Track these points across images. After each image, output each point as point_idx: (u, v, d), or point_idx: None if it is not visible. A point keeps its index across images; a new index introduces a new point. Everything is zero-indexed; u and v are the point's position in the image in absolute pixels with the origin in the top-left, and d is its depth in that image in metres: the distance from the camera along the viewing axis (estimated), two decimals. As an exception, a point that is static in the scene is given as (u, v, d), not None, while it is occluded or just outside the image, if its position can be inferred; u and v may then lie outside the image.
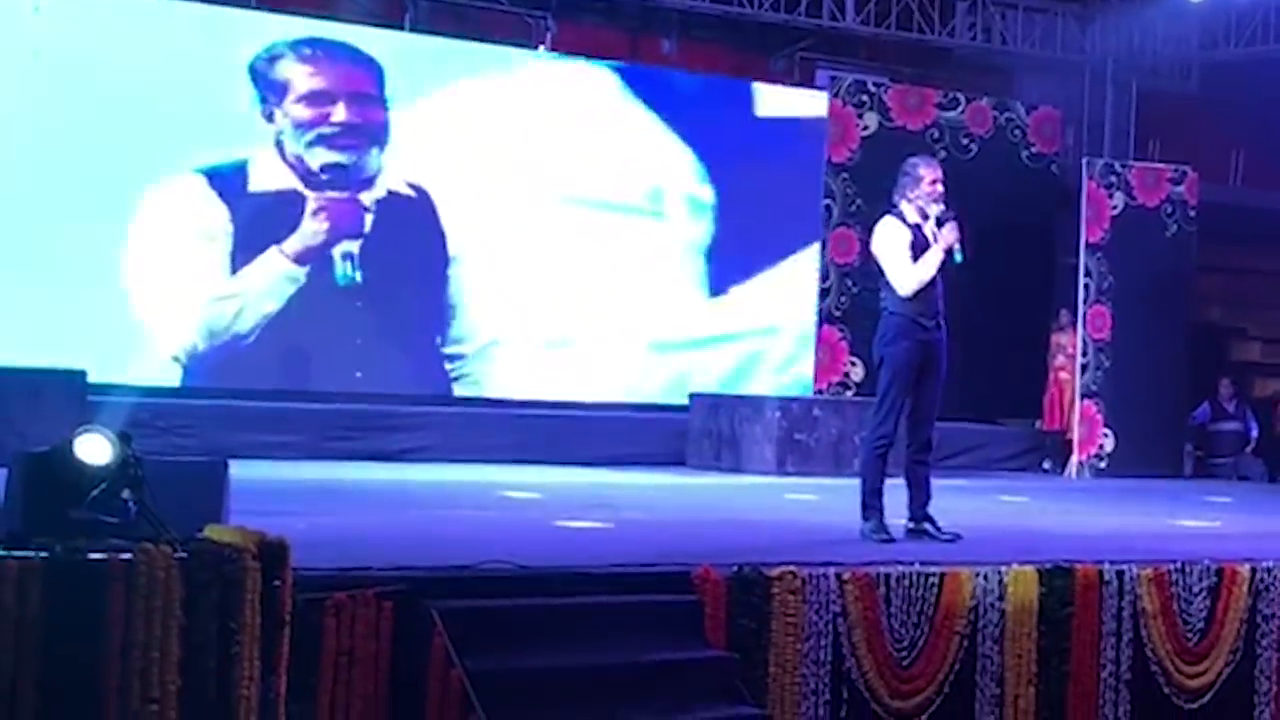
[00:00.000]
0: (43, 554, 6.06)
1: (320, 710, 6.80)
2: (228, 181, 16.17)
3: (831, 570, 8.25)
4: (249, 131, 16.33)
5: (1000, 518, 12.50)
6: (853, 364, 18.24)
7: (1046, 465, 18.92)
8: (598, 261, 18.04)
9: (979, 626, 8.59)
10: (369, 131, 16.87)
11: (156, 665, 6.05)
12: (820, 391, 18.18)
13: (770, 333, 19.10)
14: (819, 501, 13.12)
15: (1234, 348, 22.65)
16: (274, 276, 16.36)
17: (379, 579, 7.10)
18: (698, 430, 16.80)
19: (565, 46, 18.29)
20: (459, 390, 17.36)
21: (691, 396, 17.30)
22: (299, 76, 16.57)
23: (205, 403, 15.34)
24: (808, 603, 8.07)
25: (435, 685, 6.97)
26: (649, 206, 18.41)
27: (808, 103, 19.23)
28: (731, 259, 18.80)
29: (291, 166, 16.46)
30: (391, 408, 16.27)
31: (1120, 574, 9.07)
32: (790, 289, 18.92)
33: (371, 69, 16.97)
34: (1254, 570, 9.58)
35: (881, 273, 10.11)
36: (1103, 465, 18.22)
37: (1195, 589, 9.37)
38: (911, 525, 10.06)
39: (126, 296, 15.75)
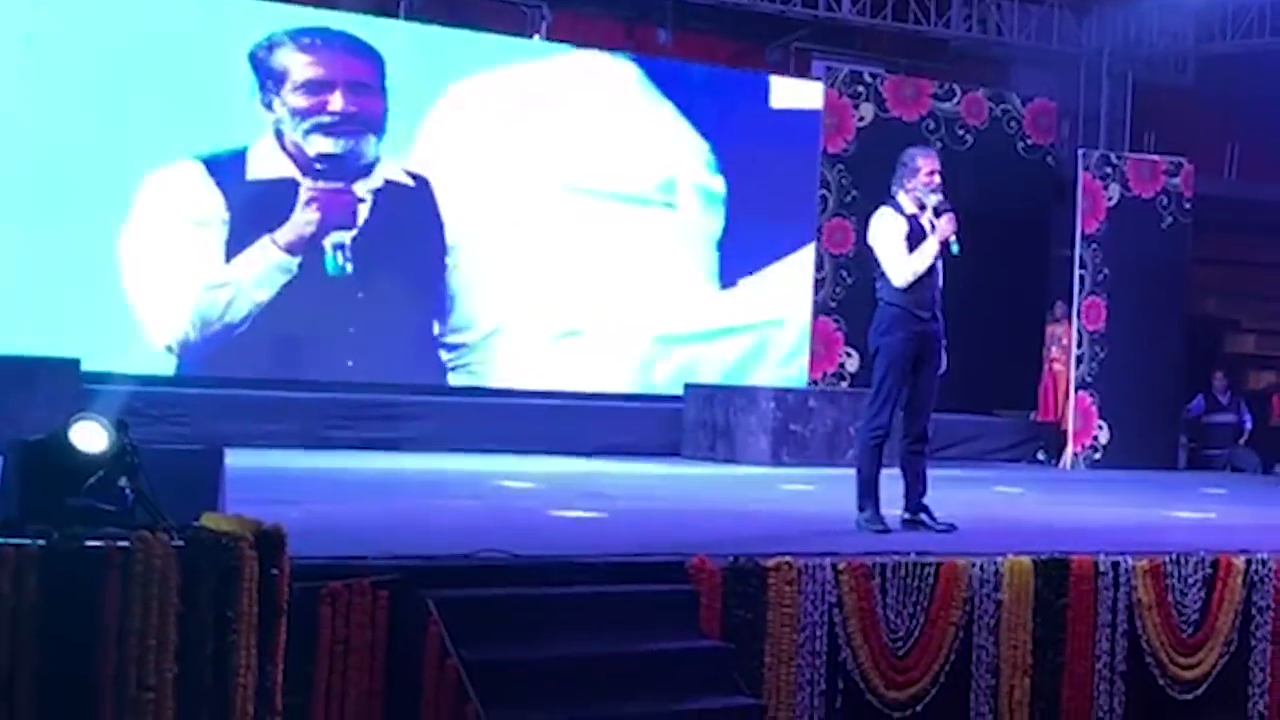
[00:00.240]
0: (40, 542, 6.05)
1: (316, 699, 6.79)
2: (225, 169, 16.15)
3: (827, 561, 8.25)
4: (250, 120, 16.33)
5: (995, 509, 12.51)
6: (848, 355, 18.25)
7: (1041, 456, 18.94)
8: (605, 252, 18.02)
9: (974, 617, 8.60)
10: (366, 121, 16.85)
11: (153, 653, 6.04)
12: (815, 382, 18.19)
13: (779, 324, 19.07)
14: (814, 492, 13.12)
15: (1229, 340, 22.67)
16: (266, 266, 16.34)
17: (374, 568, 7.10)
18: (693, 421, 16.80)
19: (560, 36, 18.27)
20: (462, 380, 17.33)
21: (686, 387, 17.30)
22: (297, 65, 16.55)
23: (200, 391, 15.34)
24: (803, 593, 8.08)
25: (431, 674, 6.96)
26: (661, 197, 18.39)
27: (817, 95, 19.14)
28: (743, 250, 18.77)
29: (291, 156, 16.45)
30: (387, 397, 16.24)
31: (1115, 565, 9.08)
32: (800, 281, 18.86)
33: (372, 59, 16.94)
34: (1249, 562, 9.59)
35: (878, 263, 10.11)
36: (1097, 457, 18.24)
37: (1190, 580, 9.38)
38: (907, 516, 10.05)
39: (121, 284, 15.72)
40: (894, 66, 20.05)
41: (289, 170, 16.45)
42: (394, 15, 17.51)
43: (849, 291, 17.89)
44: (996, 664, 8.66)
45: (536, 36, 18.18)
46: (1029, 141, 19.88)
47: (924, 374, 10.06)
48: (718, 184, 18.67)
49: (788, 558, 8.12)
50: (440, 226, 17.19)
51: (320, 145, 16.56)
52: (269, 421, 15.17)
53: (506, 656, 7.14)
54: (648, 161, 18.36)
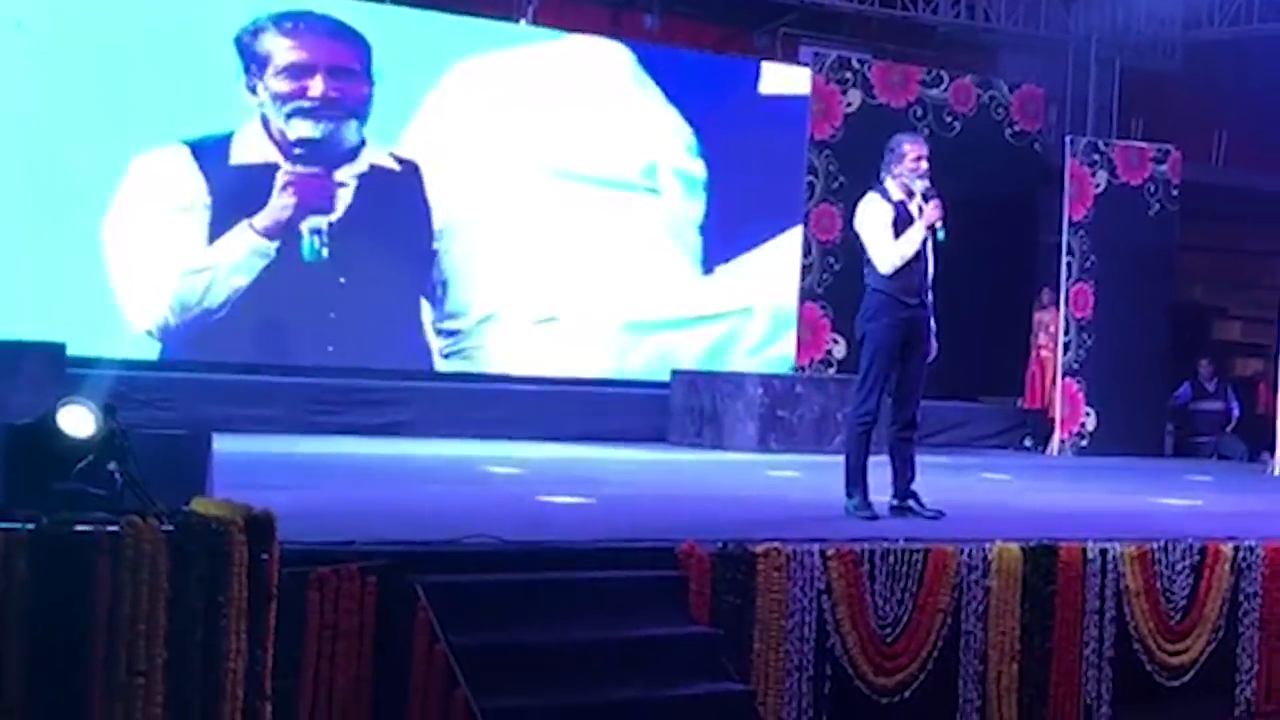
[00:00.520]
0: (29, 526, 6.03)
1: (304, 684, 6.78)
2: (210, 153, 16.12)
3: (816, 547, 8.24)
4: (237, 105, 16.30)
5: (983, 495, 12.52)
6: (835, 341, 18.26)
7: (1028, 443, 18.95)
8: (591, 237, 18.01)
9: (963, 603, 8.60)
10: (348, 106, 16.80)
11: (143, 638, 6.03)
12: (802, 368, 18.20)
13: (762, 310, 19.04)
14: (802, 478, 13.12)
15: (1216, 327, 22.71)
16: (244, 251, 16.29)
17: (363, 553, 7.09)
18: (679, 407, 16.78)
19: (546, 21, 18.24)
20: (455, 366, 17.30)
21: (673, 373, 17.27)
22: (280, 49, 16.51)
23: (185, 376, 15.31)
24: (792, 579, 8.07)
25: (419, 660, 6.97)
26: (644, 182, 18.37)
27: (805, 81, 19.10)
28: (726, 235, 18.75)
29: (275, 141, 16.42)
30: (372, 382, 16.19)
31: (1104, 552, 9.09)
32: (784, 265, 18.84)
33: (355, 43, 16.89)
34: (1237, 549, 9.60)
35: (864, 250, 10.10)
36: (1084, 443, 18.26)
37: (1178, 567, 9.39)
38: (896, 502, 10.06)
39: (105, 269, 15.70)
40: (882, 52, 20.04)
41: (273, 155, 16.43)
42: (381, 0, 17.47)
43: (836, 278, 17.91)
44: (985, 650, 8.66)
45: (523, 21, 18.14)
46: (1016, 128, 19.89)
47: (912, 360, 10.06)
48: (698, 168, 18.63)
49: (777, 543, 8.10)
50: (428, 212, 17.16)
51: (301, 130, 16.52)
52: (254, 406, 15.14)
53: (495, 642, 7.12)
54: (633, 147, 18.34)
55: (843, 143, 18.37)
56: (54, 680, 5.97)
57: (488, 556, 7.54)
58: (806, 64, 19.09)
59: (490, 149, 17.40)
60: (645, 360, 18.29)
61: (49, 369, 12.76)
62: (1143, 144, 19.42)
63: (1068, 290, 18.36)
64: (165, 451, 7.19)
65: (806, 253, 18.40)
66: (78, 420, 6.59)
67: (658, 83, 18.41)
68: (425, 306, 17.22)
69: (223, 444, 7.87)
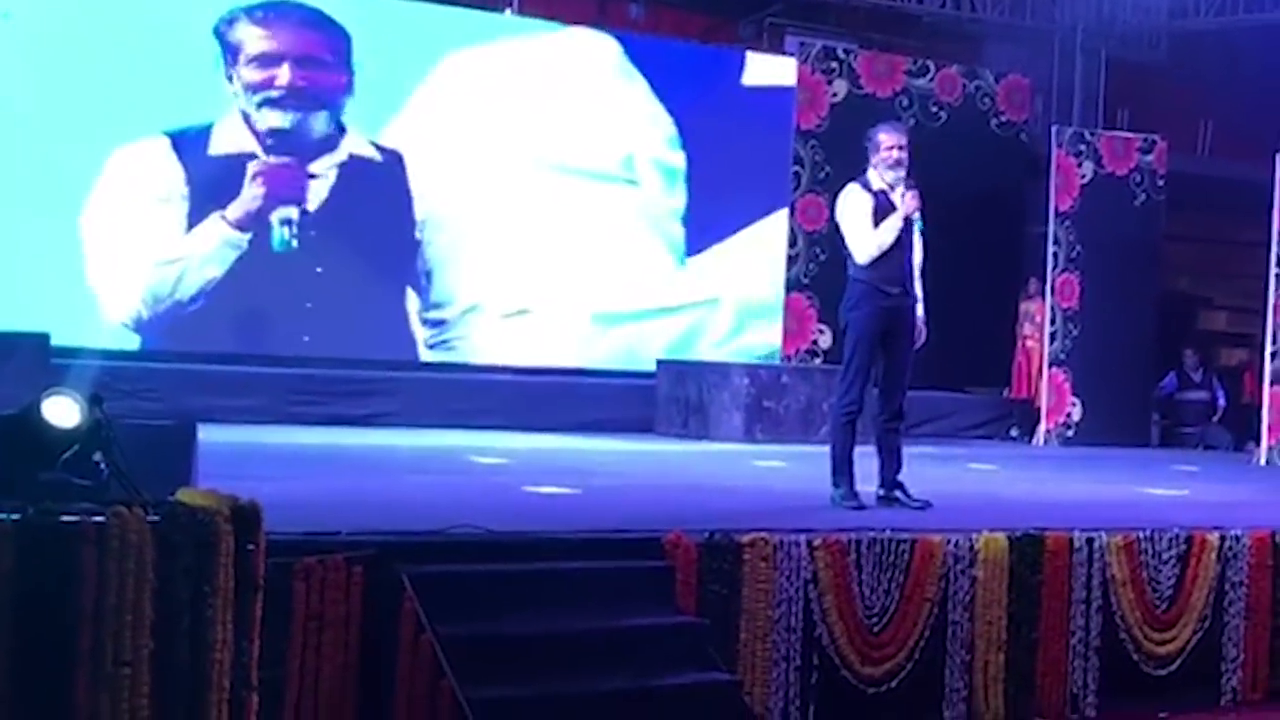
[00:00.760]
0: (14, 516, 6.00)
1: (290, 674, 6.78)
2: (190, 144, 16.08)
3: (803, 537, 8.24)
4: (218, 95, 16.27)
5: (970, 485, 12.53)
6: (821, 331, 18.26)
7: (1014, 433, 18.95)
8: (574, 228, 17.98)
9: (949, 593, 8.61)
10: (318, 96, 16.73)
11: (129, 629, 6.00)
12: (788, 358, 18.19)
13: (743, 299, 19.03)
14: (788, 468, 13.12)
15: (1201, 317, 22.75)
16: (216, 242, 16.22)
17: (348, 544, 7.08)
18: (665, 397, 16.76)
19: (532, 10, 18.21)
20: (440, 357, 17.28)
21: (659, 363, 17.26)
22: (251, 39, 16.45)
23: (168, 366, 15.26)
24: (779, 569, 8.07)
25: (406, 650, 6.97)
26: (623, 173, 18.34)
27: (791, 71, 19.07)
28: (708, 225, 18.73)
29: (255, 132, 16.37)
30: (354, 373, 16.11)
31: (1090, 541, 9.09)
32: (767, 255, 18.83)
33: (331, 33, 16.81)
34: (1223, 538, 9.61)
35: (845, 239, 10.11)
36: (1070, 434, 18.27)
37: (1164, 556, 9.40)
38: (882, 493, 10.06)
39: (83, 259, 15.67)
40: (867, 42, 20.04)
41: (250, 145, 16.38)
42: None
43: (822, 268, 17.88)
44: (971, 640, 8.67)
45: (508, 11, 18.11)
46: (1002, 118, 19.89)
47: (896, 349, 10.05)
48: (679, 159, 18.60)
49: (763, 534, 8.11)
50: (409, 202, 17.12)
51: (271, 120, 16.46)
52: (237, 397, 15.09)
53: (481, 632, 7.12)
54: (616, 138, 18.31)
55: (829, 132, 18.36)
56: (40, 671, 5.94)
57: (474, 547, 7.53)
58: (792, 53, 19.07)
59: (476, 140, 17.37)
60: (628, 350, 18.26)
61: (33, 359, 12.73)
62: (1129, 134, 19.43)
63: (1054, 280, 18.36)
64: (150, 442, 7.17)
65: (792, 243, 18.40)
66: (63, 410, 6.56)
67: (644, 74, 18.38)
68: (410, 297, 17.18)
69: (207, 434, 7.86)
